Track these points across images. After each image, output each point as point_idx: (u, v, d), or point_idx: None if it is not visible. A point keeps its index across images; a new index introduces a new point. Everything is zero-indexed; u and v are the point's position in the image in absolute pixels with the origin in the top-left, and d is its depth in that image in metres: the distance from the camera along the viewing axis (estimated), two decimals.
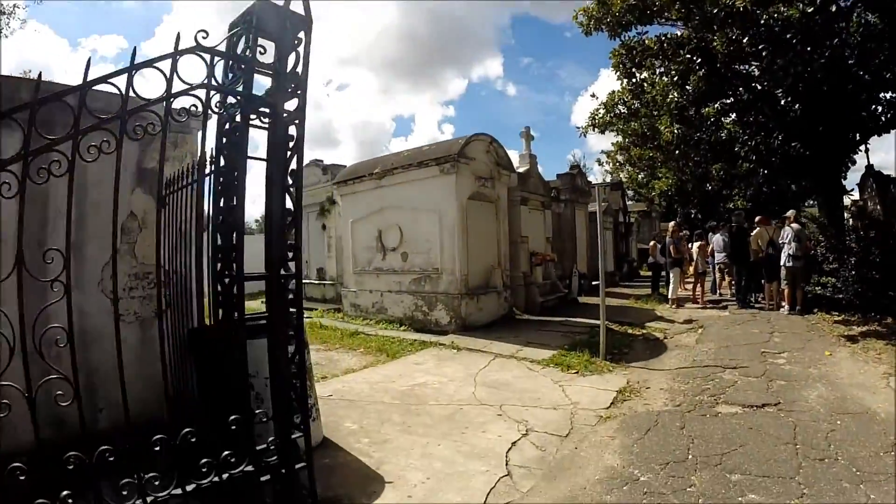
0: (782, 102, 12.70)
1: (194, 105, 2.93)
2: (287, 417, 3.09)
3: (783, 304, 11.47)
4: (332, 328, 11.28)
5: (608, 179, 35.06)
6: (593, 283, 17.47)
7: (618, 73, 13.63)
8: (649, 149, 17.73)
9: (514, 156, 13.59)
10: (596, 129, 15.83)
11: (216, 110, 2.99)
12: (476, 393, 6.22)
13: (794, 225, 11.03)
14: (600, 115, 15.85)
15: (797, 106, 12.40)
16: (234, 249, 3.12)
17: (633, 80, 13.75)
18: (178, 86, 2.85)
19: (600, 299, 8.18)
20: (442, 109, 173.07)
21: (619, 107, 15.57)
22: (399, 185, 11.36)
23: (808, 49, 9.74)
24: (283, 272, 3.22)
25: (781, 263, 11.12)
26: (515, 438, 4.72)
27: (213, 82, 2.96)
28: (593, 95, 17.33)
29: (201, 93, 2.92)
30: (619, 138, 19.62)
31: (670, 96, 12.81)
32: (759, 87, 12.41)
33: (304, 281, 16.11)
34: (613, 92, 15.70)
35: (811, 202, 31.46)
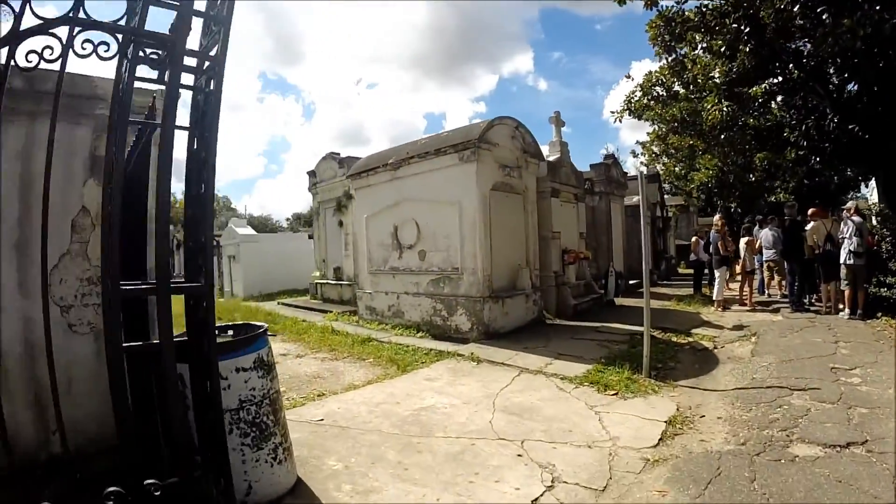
0: (836, 80, 11.42)
1: (49, 47, 2.00)
2: (190, 482, 2.11)
3: (841, 306, 10.20)
4: (344, 334, 10.37)
5: (643, 172, 33.44)
6: (630, 282, 16.28)
7: (656, 48, 12.43)
8: (689, 136, 16.57)
9: (544, 150, 12.47)
10: (632, 114, 14.75)
11: (82, 52, 2.02)
12: (493, 422, 5.18)
13: (856, 218, 9.75)
14: (636, 99, 14.77)
15: (853, 85, 11.11)
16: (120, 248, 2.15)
17: (674, 57, 12.53)
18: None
19: (644, 303, 7.01)
20: (473, 106, 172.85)
21: (657, 89, 14.48)
22: (415, 176, 10.36)
23: (878, 8, 8.47)
24: (194, 283, 2.23)
25: (841, 261, 9.82)
26: (537, 493, 3.66)
27: (82, 15, 2.00)
28: (629, 76, 16.14)
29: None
30: (655, 127, 18.54)
31: (717, 70, 11.55)
32: (811, 64, 11.13)
33: (321, 281, 15.36)
34: (650, 73, 14.63)
35: (853, 194, 29.65)
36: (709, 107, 12.26)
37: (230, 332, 4.15)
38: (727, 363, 7.34)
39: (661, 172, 30.57)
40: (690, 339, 8.90)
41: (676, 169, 30.65)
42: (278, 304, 16.82)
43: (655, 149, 30.33)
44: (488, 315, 9.21)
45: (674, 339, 8.96)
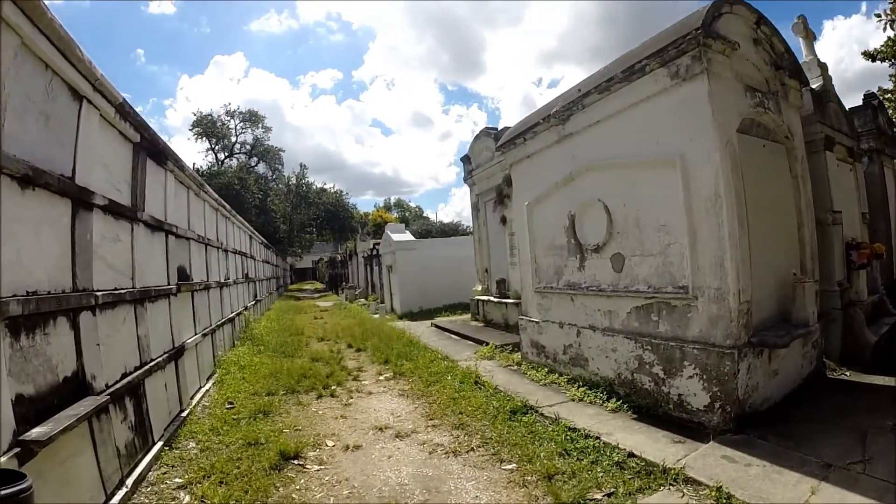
0: None
1: None
2: None
3: None
4: (491, 389, 6.56)
5: None
6: None
7: None
8: None
9: None
10: None
11: None
12: None
13: None
14: None
15: None
16: None
17: None
18: None
19: None
20: None
21: None
22: (596, 127, 6.09)
23: None
24: None
25: None
26: None
27: None
28: None
29: None
30: None
31: None
32: None
33: (482, 297, 11.48)
34: None
35: None
36: None
37: None
38: None
39: None
40: None
41: None
42: (431, 325, 13.26)
43: None
44: (745, 382, 4.64)
45: None
